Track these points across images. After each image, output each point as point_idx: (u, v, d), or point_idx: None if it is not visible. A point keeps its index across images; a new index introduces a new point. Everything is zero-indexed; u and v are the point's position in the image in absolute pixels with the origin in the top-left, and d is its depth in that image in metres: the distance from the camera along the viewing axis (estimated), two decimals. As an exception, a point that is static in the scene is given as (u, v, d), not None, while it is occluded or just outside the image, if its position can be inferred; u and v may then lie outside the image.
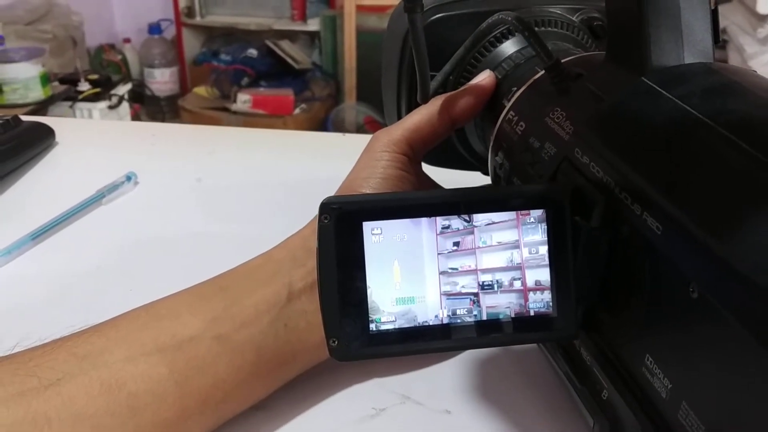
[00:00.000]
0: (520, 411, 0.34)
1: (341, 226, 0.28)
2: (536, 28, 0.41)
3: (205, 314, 0.32)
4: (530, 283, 0.29)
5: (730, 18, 1.99)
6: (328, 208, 0.27)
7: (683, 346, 0.23)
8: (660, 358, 0.24)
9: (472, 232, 0.28)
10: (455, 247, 0.28)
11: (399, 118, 0.46)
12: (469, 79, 0.40)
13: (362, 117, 2.42)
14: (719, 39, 0.29)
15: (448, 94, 0.39)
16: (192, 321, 0.31)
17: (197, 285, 0.34)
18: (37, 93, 1.65)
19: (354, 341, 0.28)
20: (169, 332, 0.31)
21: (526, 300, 0.29)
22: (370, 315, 0.28)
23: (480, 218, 0.28)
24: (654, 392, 0.24)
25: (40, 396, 0.27)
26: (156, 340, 0.30)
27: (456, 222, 0.28)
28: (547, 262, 0.29)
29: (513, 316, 0.29)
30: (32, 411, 0.27)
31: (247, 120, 2.36)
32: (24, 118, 0.65)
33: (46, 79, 1.68)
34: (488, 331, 0.28)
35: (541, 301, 0.29)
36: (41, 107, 1.66)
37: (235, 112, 2.38)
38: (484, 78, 0.39)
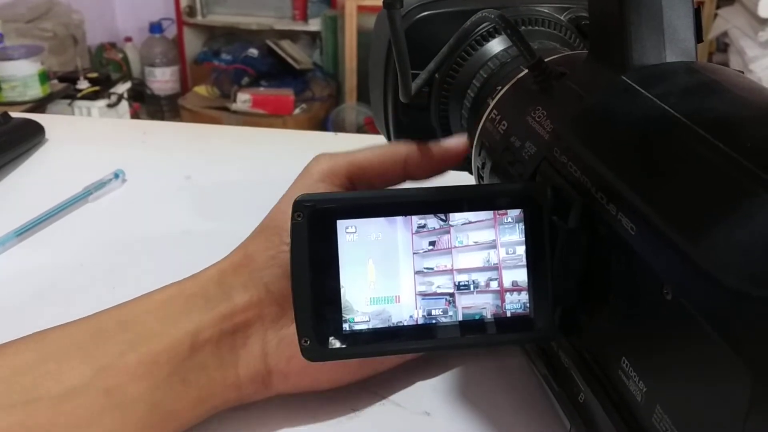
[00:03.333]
0: (499, 413, 0.33)
1: (314, 224, 0.27)
2: (523, 27, 0.41)
3: (97, 360, 0.30)
4: (507, 283, 0.28)
5: (731, 21, 1.98)
6: (301, 205, 0.27)
7: (658, 349, 0.23)
8: (635, 361, 0.24)
9: (449, 232, 0.28)
10: (431, 247, 0.28)
11: (385, 117, 0.46)
12: (455, 77, 0.40)
13: (362, 118, 2.41)
14: (702, 38, 0.29)
15: (415, 144, 0.36)
16: (80, 368, 0.29)
17: (97, 315, 0.32)
18: (36, 91, 1.66)
19: (326, 341, 0.27)
20: (54, 378, 0.29)
21: (503, 301, 0.28)
22: (343, 315, 0.27)
23: (456, 217, 0.28)
24: (630, 395, 0.24)
25: None
26: (38, 388, 0.28)
27: (432, 221, 0.28)
28: (524, 262, 0.28)
29: (489, 317, 0.28)
30: None
31: (246, 119, 2.36)
32: (14, 114, 0.65)
33: (44, 77, 1.68)
34: (463, 333, 0.28)
35: (518, 302, 0.28)
36: (40, 105, 1.66)
37: (235, 112, 2.38)
38: (457, 143, 0.37)
